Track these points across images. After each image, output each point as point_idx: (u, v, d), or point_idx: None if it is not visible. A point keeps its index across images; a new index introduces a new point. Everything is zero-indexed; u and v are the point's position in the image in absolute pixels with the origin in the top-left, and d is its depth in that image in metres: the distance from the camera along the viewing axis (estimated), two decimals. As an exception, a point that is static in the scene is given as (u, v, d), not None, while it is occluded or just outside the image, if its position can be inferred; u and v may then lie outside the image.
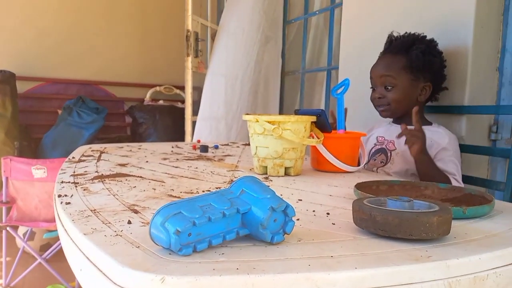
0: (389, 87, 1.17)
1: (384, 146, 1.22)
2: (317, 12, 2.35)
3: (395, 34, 1.24)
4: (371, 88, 1.23)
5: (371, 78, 1.22)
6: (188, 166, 1.02)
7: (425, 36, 1.18)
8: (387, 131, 1.24)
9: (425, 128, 1.12)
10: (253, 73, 2.54)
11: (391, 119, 1.26)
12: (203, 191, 0.73)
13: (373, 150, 1.24)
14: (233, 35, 2.56)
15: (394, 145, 1.19)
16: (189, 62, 2.42)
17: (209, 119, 2.54)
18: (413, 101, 1.16)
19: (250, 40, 2.51)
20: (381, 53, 1.26)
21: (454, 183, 1.03)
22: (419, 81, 1.15)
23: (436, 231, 0.44)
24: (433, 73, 1.16)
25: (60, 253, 1.97)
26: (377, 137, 1.25)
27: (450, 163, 1.08)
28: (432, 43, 1.18)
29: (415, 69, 1.14)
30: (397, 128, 1.20)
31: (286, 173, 0.95)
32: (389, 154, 1.19)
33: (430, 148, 1.08)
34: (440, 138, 1.11)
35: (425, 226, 0.44)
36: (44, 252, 1.97)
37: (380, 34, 1.39)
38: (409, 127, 1.02)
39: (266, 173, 0.94)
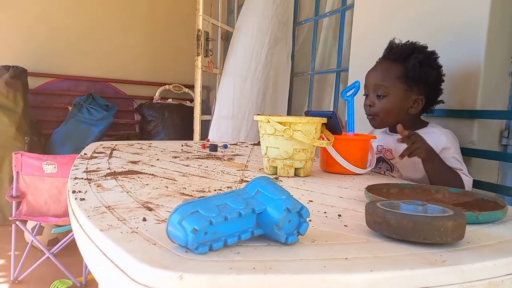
0: (381, 96, 1.14)
1: (382, 155, 1.21)
2: (327, 14, 2.35)
3: (396, 41, 1.20)
4: (364, 95, 1.20)
5: (365, 84, 1.20)
6: (199, 165, 1.03)
7: (426, 47, 1.15)
8: (384, 139, 1.22)
9: (422, 131, 1.09)
10: (261, 74, 2.56)
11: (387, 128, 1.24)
12: (215, 190, 0.74)
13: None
14: (245, 37, 2.61)
15: (392, 154, 1.18)
16: (199, 61, 2.43)
17: (222, 118, 2.58)
18: (403, 113, 1.13)
19: (260, 41, 2.54)
20: (379, 58, 1.22)
21: (463, 178, 1.03)
22: (412, 92, 1.12)
23: (450, 235, 0.44)
24: (428, 86, 1.12)
25: (68, 248, 1.99)
26: (377, 146, 1.23)
27: (453, 159, 1.07)
28: (432, 55, 1.14)
29: (410, 80, 1.11)
30: (393, 137, 1.19)
31: (296, 174, 0.95)
32: (389, 163, 1.19)
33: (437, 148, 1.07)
34: (437, 139, 1.08)
35: (439, 230, 0.44)
36: (52, 247, 1.99)
37: (392, 36, 1.38)
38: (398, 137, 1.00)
39: (276, 174, 0.95)
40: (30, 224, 2.12)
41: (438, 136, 1.10)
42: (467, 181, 1.04)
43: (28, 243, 2.09)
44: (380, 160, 1.21)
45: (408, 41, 1.18)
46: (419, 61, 1.10)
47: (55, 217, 1.90)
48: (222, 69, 2.69)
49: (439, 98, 1.18)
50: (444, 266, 0.40)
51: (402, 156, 1.00)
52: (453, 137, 1.12)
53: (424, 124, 1.17)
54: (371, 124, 1.21)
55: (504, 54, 1.22)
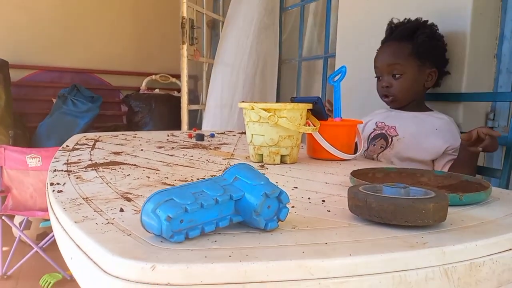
0: (397, 75, 1.15)
1: (384, 131, 1.20)
2: (314, -1, 2.32)
3: (395, 21, 1.21)
4: (376, 77, 1.21)
5: (375, 67, 1.20)
6: (184, 155, 1.01)
7: (427, 21, 1.17)
8: (387, 117, 1.23)
9: (430, 115, 1.14)
10: (249, 63, 2.55)
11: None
12: (198, 179, 0.73)
13: (372, 135, 1.23)
14: (232, 26, 2.60)
15: (395, 131, 1.18)
16: (185, 50, 2.39)
17: (213, 107, 2.60)
18: (420, 88, 1.16)
19: (246, 29, 2.52)
20: (382, 41, 1.24)
21: None
22: (425, 67, 1.14)
23: (432, 217, 0.44)
24: (438, 58, 1.16)
25: (56, 242, 1.97)
26: (376, 122, 1.24)
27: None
28: (434, 27, 1.17)
29: (422, 55, 1.13)
30: (398, 114, 1.20)
31: (282, 161, 0.94)
32: (389, 139, 1.18)
33: (437, 134, 1.10)
34: (450, 127, 1.12)
35: (421, 212, 0.43)
36: (41, 241, 1.98)
37: (377, 21, 1.37)
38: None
39: (262, 161, 0.94)
40: (18, 218, 2.09)
41: (448, 123, 1.13)
42: None
43: (16, 238, 2.06)
44: (378, 136, 1.21)
45: (405, 19, 1.19)
46: (427, 35, 1.13)
47: (41, 211, 1.87)
48: (213, 59, 2.69)
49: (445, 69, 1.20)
50: (424, 248, 0.39)
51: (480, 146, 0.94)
52: (453, 124, 1.15)
53: (429, 109, 1.19)
54: (390, 106, 1.23)
55: (489, 36, 1.21)
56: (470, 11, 1.16)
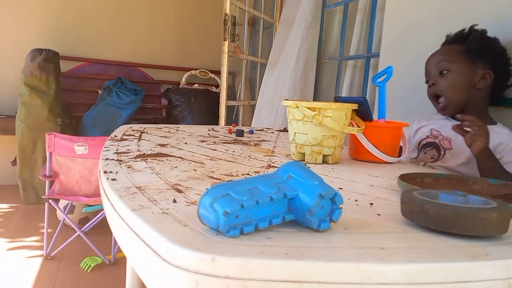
0: (444, 72, 1.09)
1: (437, 141, 1.14)
2: (358, -3, 2.26)
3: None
4: (426, 82, 1.16)
5: (425, 71, 1.15)
6: (226, 149, 1.03)
7: (485, 30, 1.11)
8: (444, 126, 1.15)
9: (491, 129, 0.99)
10: (293, 61, 2.56)
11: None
12: (243, 175, 0.73)
13: (424, 142, 1.17)
14: (283, 25, 2.73)
15: (450, 144, 1.11)
16: (226, 46, 2.41)
17: (263, 105, 2.71)
18: (471, 89, 1.06)
19: (297, 27, 2.55)
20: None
21: None
22: (477, 66, 1.06)
23: (494, 228, 0.42)
24: (493, 60, 1.06)
25: (97, 227, 2.06)
26: (431, 129, 1.17)
27: None
28: (495, 39, 1.10)
29: (473, 53, 1.06)
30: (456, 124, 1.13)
31: (324, 161, 0.93)
32: (442, 152, 1.12)
33: (494, 151, 0.98)
34: (506, 140, 1.01)
35: (483, 222, 0.41)
36: (83, 225, 2.07)
37: (424, 20, 1.32)
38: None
39: (304, 160, 0.93)
40: (62, 203, 2.20)
41: (507, 136, 1.01)
42: None
43: (60, 221, 2.17)
44: (430, 145, 1.15)
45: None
46: (480, 34, 1.08)
47: (85, 197, 1.96)
48: (252, 56, 2.78)
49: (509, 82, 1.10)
50: (487, 260, 0.38)
51: (457, 127, 0.92)
52: None
53: (493, 122, 1.08)
54: (441, 113, 1.14)
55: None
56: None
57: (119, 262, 2.00)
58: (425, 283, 0.35)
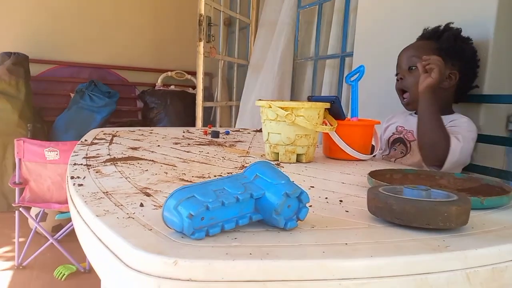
0: (413, 68, 1.11)
1: (402, 136, 1.18)
2: (331, -2, 2.30)
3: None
4: (395, 75, 1.18)
5: (397, 64, 1.18)
6: (200, 151, 1.02)
7: (460, 29, 1.14)
8: (407, 121, 1.20)
9: (449, 118, 1.07)
10: (273, 62, 2.59)
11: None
12: (215, 176, 0.73)
13: (391, 139, 1.21)
14: (262, 26, 2.79)
15: (413, 135, 1.15)
16: (201, 47, 2.40)
17: (245, 106, 2.79)
18: (436, 87, 1.08)
19: (271, 28, 2.57)
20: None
21: (452, 140, 0.98)
22: (446, 66, 1.08)
23: (454, 221, 0.43)
24: (463, 62, 1.10)
25: (71, 234, 2.00)
26: (397, 126, 1.22)
27: (455, 129, 1.03)
28: (468, 39, 1.13)
29: (444, 52, 1.08)
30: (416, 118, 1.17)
31: (298, 160, 0.94)
32: (408, 145, 1.16)
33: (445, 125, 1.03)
34: (459, 120, 1.07)
35: (443, 215, 0.42)
36: (56, 233, 2.01)
37: (397, 20, 1.35)
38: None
39: (278, 160, 0.93)
40: (34, 210, 2.14)
41: (461, 121, 1.07)
42: (456, 144, 0.98)
43: (32, 229, 2.10)
44: (398, 141, 1.19)
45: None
46: (453, 34, 1.10)
47: (58, 204, 1.91)
48: (229, 56, 2.80)
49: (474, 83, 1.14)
50: (447, 251, 0.39)
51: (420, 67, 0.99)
52: (473, 125, 1.08)
53: (452, 112, 1.14)
54: (406, 109, 1.19)
55: (512, 39, 1.18)
56: (494, 13, 1.14)
57: (94, 269, 1.96)
58: (387, 276, 0.36)
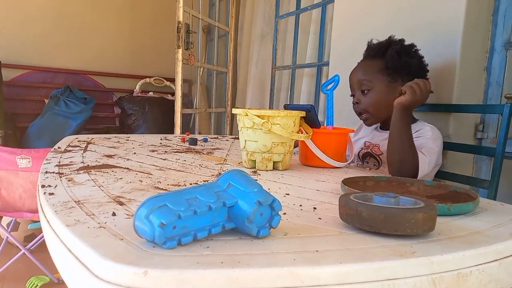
0: (365, 91, 1.15)
1: (370, 150, 1.22)
2: (309, 8, 2.34)
3: (374, 42, 1.22)
4: (351, 96, 1.22)
5: (350, 85, 1.21)
6: (177, 159, 1.01)
7: (403, 40, 1.16)
8: (372, 136, 1.24)
9: (412, 128, 1.08)
10: (250, 70, 2.61)
11: (378, 124, 1.25)
12: (191, 184, 0.73)
13: (361, 154, 1.24)
14: (242, 35, 2.83)
15: (379, 149, 1.18)
16: (180, 54, 2.40)
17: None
18: (392, 104, 1.10)
19: (251, 37, 2.59)
20: (361, 60, 1.24)
21: (420, 156, 1.00)
22: (397, 83, 1.12)
23: (421, 227, 0.45)
24: (412, 75, 1.11)
25: (44, 244, 1.94)
26: (364, 142, 1.25)
27: (423, 140, 1.06)
28: (411, 47, 1.15)
29: (392, 71, 1.12)
30: (382, 134, 1.20)
31: (275, 168, 0.95)
32: (378, 158, 1.19)
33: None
34: (424, 131, 1.09)
35: (410, 222, 0.44)
36: (28, 243, 1.95)
37: (371, 31, 1.39)
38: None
39: (255, 167, 0.94)
40: (6, 219, 2.06)
41: (426, 130, 1.10)
42: (423, 161, 1.01)
43: (3, 239, 2.03)
44: (367, 155, 1.22)
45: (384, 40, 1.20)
46: (397, 51, 1.12)
47: (30, 213, 1.85)
48: (207, 63, 2.79)
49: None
50: (413, 257, 0.40)
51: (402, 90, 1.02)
52: (437, 131, 1.11)
53: (415, 120, 1.17)
54: (365, 124, 1.22)
55: (480, 49, 1.24)
56: (462, 24, 1.19)
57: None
58: (355, 282, 0.37)
